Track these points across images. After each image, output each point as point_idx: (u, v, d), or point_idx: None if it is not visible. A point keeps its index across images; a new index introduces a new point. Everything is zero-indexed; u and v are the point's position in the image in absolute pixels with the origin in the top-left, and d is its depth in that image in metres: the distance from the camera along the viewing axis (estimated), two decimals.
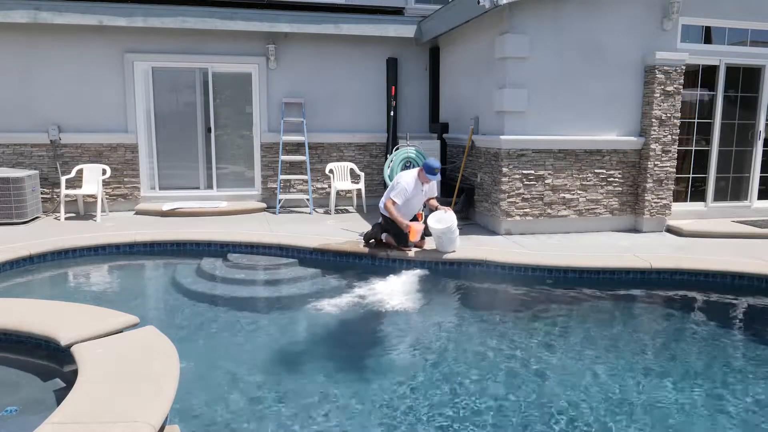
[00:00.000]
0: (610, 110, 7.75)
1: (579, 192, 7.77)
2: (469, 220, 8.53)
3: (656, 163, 7.77)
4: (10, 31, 8.58)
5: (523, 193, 7.58)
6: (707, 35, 8.05)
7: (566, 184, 7.71)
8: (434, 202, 6.76)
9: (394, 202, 6.46)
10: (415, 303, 5.40)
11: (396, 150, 8.52)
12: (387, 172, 8.38)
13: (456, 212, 7.65)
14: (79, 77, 8.95)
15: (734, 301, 5.70)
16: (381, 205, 6.69)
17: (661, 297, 5.70)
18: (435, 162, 6.56)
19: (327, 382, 3.86)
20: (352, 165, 9.85)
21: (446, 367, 4.09)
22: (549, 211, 7.71)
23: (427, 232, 6.66)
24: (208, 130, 9.67)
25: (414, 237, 6.39)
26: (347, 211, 9.50)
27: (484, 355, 4.34)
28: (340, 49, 9.76)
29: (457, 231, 6.37)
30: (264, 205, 9.55)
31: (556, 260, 6.21)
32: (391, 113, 9.78)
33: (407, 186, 6.47)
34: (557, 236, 7.59)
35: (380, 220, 6.88)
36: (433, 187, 6.79)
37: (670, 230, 7.92)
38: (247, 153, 9.90)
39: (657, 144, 7.73)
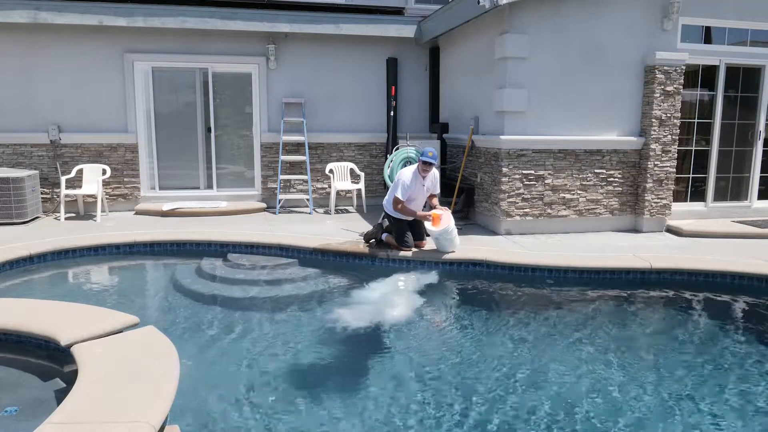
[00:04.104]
0: (610, 110, 7.75)
1: (579, 192, 7.77)
2: (469, 220, 8.53)
3: (656, 163, 7.77)
4: (10, 31, 8.58)
5: (523, 193, 7.58)
6: (707, 35, 8.05)
7: (566, 184, 7.71)
8: (435, 201, 6.74)
9: (399, 200, 6.41)
10: (415, 303, 5.40)
11: (396, 150, 8.52)
12: (387, 172, 8.38)
13: (456, 212, 7.67)
14: (79, 77, 8.95)
15: (734, 301, 5.70)
16: (384, 203, 6.69)
17: (661, 297, 5.70)
18: (428, 147, 6.53)
19: (326, 382, 3.86)
20: (352, 165, 9.85)
21: (445, 368, 4.09)
22: (549, 211, 7.71)
23: (426, 232, 6.65)
24: (208, 130, 9.67)
25: (437, 224, 6.24)
26: (347, 211, 9.50)
27: (483, 355, 4.34)
28: (340, 49, 9.76)
29: (456, 231, 6.36)
30: (264, 205, 9.55)
31: (556, 260, 6.21)
32: (391, 113, 9.78)
33: (406, 180, 6.43)
34: (557, 236, 7.59)
35: (380, 220, 6.88)
36: (435, 183, 6.71)
37: (670, 230, 7.92)
38: (247, 153, 9.90)
39: (657, 144, 7.73)
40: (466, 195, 8.50)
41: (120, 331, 3.77)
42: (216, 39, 9.28)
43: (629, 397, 3.66)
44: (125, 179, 9.25)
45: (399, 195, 6.40)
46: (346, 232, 7.62)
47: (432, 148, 6.46)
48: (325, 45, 9.67)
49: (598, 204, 7.87)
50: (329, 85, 9.83)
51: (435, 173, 6.68)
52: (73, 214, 8.78)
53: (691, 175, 8.39)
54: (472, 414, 3.43)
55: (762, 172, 8.54)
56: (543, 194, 7.65)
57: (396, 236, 6.55)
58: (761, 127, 8.38)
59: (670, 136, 7.76)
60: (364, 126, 10.05)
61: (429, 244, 6.66)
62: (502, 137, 7.39)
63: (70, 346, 3.51)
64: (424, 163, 6.38)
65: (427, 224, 6.34)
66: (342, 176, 9.73)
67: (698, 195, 8.46)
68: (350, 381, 3.87)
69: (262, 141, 9.70)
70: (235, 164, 9.96)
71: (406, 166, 8.22)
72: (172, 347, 3.48)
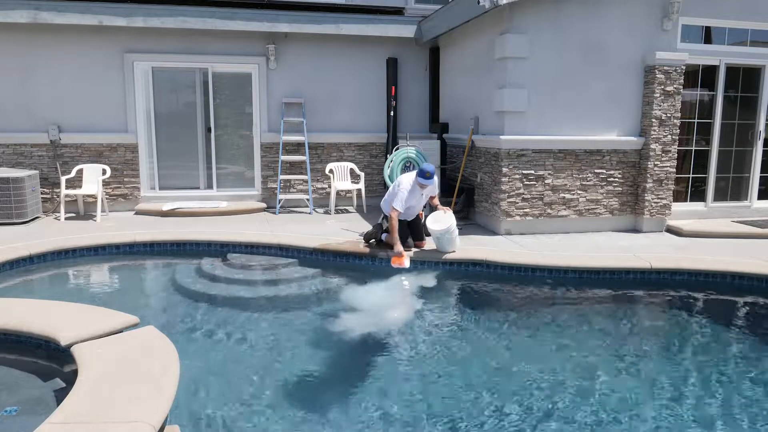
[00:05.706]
0: (610, 110, 7.75)
1: (579, 192, 7.77)
2: (469, 220, 8.53)
3: (656, 163, 7.77)
4: (10, 31, 8.58)
5: (523, 193, 7.58)
6: (707, 35, 8.05)
7: (566, 184, 7.71)
8: (436, 201, 6.73)
9: (396, 210, 6.35)
10: (415, 303, 5.40)
11: (396, 150, 8.51)
12: (387, 172, 8.38)
13: (456, 212, 7.67)
14: (79, 77, 8.95)
15: (734, 301, 5.70)
16: (382, 205, 6.69)
17: (661, 297, 5.70)
18: (427, 166, 6.37)
19: (325, 383, 3.86)
20: (352, 165, 9.86)
21: (445, 369, 4.09)
22: (549, 211, 7.71)
23: (426, 232, 6.66)
24: (208, 130, 9.68)
25: (394, 263, 6.19)
26: (347, 211, 9.50)
27: (484, 355, 4.34)
28: (340, 49, 9.76)
29: (457, 231, 6.36)
30: (264, 205, 9.55)
31: (556, 260, 6.21)
32: (391, 113, 9.78)
33: (404, 191, 6.41)
34: (557, 236, 7.59)
35: (380, 220, 6.88)
36: (433, 187, 6.74)
37: (670, 230, 7.92)
38: (247, 153, 9.90)
39: (657, 144, 7.73)
40: (466, 195, 8.50)
41: (120, 331, 3.77)
42: (216, 39, 9.28)
43: (629, 397, 3.66)
44: (125, 179, 9.25)
45: (397, 206, 6.37)
46: (346, 232, 7.62)
47: (431, 167, 6.35)
48: (325, 45, 9.67)
49: (598, 204, 7.87)
50: (329, 85, 9.83)
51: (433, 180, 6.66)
52: (73, 214, 8.78)
53: (691, 175, 8.39)
54: (471, 414, 3.43)
55: (762, 172, 8.54)
56: (543, 194, 7.65)
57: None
58: (761, 127, 8.38)
59: (670, 136, 7.76)
60: (364, 126, 10.05)
61: (429, 244, 6.67)
62: (502, 137, 7.39)
63: (70, 346, 3.51)
64: (419, 178, 6.35)
65: (429, 223, 6.34)
66: (342, 176, 9.73)
67: (698, 195, 8.47)
68: (349, 382, 3.87)
69: (262, 141, 9.70)
70: (235, 164, 9.96)
71: (406, 166, 8.22)
72: (172, 347, 3.48)
